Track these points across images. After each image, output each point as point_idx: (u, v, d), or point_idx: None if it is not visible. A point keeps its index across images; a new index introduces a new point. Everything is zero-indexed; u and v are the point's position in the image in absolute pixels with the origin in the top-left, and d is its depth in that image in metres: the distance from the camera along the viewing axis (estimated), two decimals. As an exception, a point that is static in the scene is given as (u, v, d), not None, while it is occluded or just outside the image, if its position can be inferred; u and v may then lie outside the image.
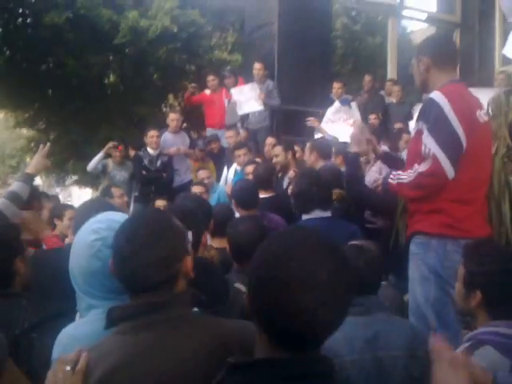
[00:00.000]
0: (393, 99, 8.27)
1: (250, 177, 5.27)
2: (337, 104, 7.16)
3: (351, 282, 1.16)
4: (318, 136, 6.59)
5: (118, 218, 1.77)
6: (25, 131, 15.04)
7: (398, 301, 2.88)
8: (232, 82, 8.29)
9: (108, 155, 7.09)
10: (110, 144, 7.03)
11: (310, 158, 4.72)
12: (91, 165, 7.08)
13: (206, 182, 5.74)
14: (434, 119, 2.55)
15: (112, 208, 2.86)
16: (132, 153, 7.27)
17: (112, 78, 11.31)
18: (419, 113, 2.75)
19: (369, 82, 8.71)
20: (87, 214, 1.88)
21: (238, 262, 2.79)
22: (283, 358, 1.13)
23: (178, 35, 10.44)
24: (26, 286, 2.17)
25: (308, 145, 4.88)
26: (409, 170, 2.67)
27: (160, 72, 11.06)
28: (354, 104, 7.32)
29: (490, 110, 3.05)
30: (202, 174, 6.12)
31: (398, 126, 6.89)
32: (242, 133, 7.58)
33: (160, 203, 5.57)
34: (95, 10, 9.78)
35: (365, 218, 3.96)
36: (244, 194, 3.76)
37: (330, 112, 6.89)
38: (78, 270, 1.68)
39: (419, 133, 2.66)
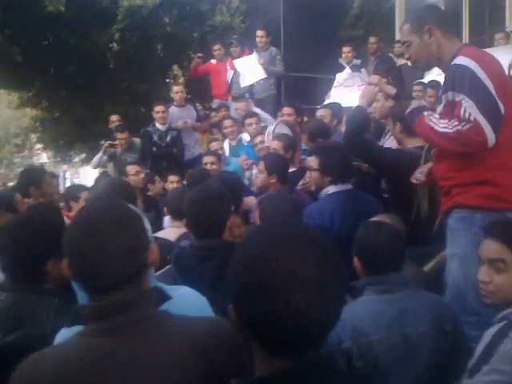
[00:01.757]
0: (406, 61, 8.02)
1: (259, 147, 5.19)
2: (348, 70, 6.99)
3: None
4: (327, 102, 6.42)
5: None
6: (29, 110, 14.96)
7: (420, 275, 2.82)
8: (238, 50, 8.14)
9: (112, 145, 7.03)
10: (106, 144, 7.01)
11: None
12: (93, 163, 7.12)
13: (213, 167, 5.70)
14: (470, 84, 2.35)
15: (124, 191, 2.87)
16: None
17: (115, 51, 11.13)
18: (446, 83, 2.53)
19: (374, 43, 8.24)
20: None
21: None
22: (285, 371, 1.03)
23: (178, 5, 10.24)
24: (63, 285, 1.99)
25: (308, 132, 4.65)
26: (445, 119, 2.43)
27: (163, 43, 10.86)
28: (363, 70, 7.11)
29: (511, 72, 2.91)
30: (215, 145, 6.07)
31: (417, 88, 6.69)
32: (251, 103, 7.48)
33: (173, 178, 5.53)
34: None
35: (381, 188, 3.88)
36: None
37: (341, 77, 6.66)
38: None
39: (450, 104, 2.45)
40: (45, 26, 9.86)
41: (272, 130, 4.98)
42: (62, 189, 7.76)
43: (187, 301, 1.73)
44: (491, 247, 1.90)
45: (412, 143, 3.31)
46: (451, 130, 2.39)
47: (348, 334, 2.01)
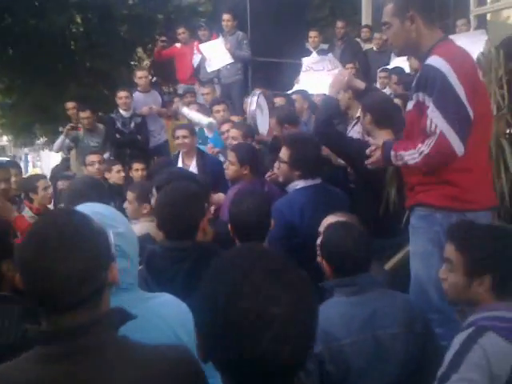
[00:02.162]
0: (372, 46, 8.02)
1: (226, 135, 5.08)
2: (315, 55, 6.91)
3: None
4: (296, 88, 6.35)
5: (102, 210, 1.65)
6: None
7: (383, 273, 2.82)
8: (206, 34, 8.01)
9: (75, 127, 6.85)
10: (68, 126, 6.85)
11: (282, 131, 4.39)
12: (55, 147, 7.02)
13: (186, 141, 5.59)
14: (439, 90, 2.31)
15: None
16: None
17: (76, 31, 10.77)
18: (418, 82, 2.46)
19: (341, 28, 8.22)
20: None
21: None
22: None
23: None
24: (18, 289, 1.91)
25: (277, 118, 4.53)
26: (411, 150, 2.43)
27: (127, 25, 10.56)
28: (330, 55, 7.05)
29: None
30: (180, 132, 5.89)
31: (382, 75, 6.67)
32: (218, 89, 7.36)
33: (137, 166, 5.46)
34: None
35: (348, 178, 3.85)
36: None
37: (310, 60, 6.58)
38: None
39: (419, 105, 2.42)
40: (2, 7, 9.44)
41: (255, 100, 4.86)
42: (24, 173, 7.50)
43: (170, 310, 1.70)
44: (446, 247, 1.99)
45: (381, 135, 3.28)
46: (420, 158, 2.39)
47: (319, 339, 1.96)
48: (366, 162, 2.71)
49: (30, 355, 1.23)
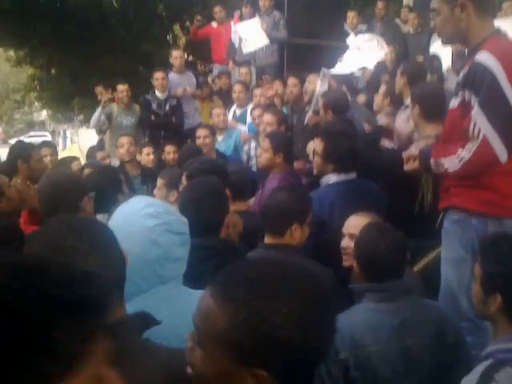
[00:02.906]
0: (409, 28, 7.79)
1: (257, 121, 5.02)
2: (353, 36, 6.76)
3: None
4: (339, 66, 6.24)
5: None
6: (27, 67, 14.68)
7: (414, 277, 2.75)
8: (249, 11, 7.80)
9: (111, 100, 6.84)
10: (106, 98, 6.78)
11: (326, 116, 4.26)
12: (92, 123, 6.89)
13: (220, 120, 5.56)
14: (487, 91, 2.19)
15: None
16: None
17: (115, 9, 10.78)
18: (465, 79, 2.33)
19: (382, 9, 7.92)
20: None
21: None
22: None
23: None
24: None
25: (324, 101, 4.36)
26: (451, 156, 2.32)
27: (164, 4, 10.53)
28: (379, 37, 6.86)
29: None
30: (217, 111, 5.88)
31: (419, 59, 6.48)
32: (253, 70, 7.28)
33: (170, 149, 5.46)
34: None
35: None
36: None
37: (363, 39, 6.45)
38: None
39: (465, 104, 2.30)
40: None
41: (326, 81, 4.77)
42: (62, 148, 7.62)
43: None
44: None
45: (429, 129, 3.16)
46: (460, 164, 2.29)
47: (345, 345, 1.94)
48: (404, 169, 2.62)
49: None
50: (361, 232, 2.20)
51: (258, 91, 5.81)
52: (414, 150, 2.60)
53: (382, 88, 4.89)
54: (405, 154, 2.59)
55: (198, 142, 4.91)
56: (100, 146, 7.13)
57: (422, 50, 6.81)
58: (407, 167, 2.60)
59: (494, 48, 2.25)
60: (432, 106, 3.16)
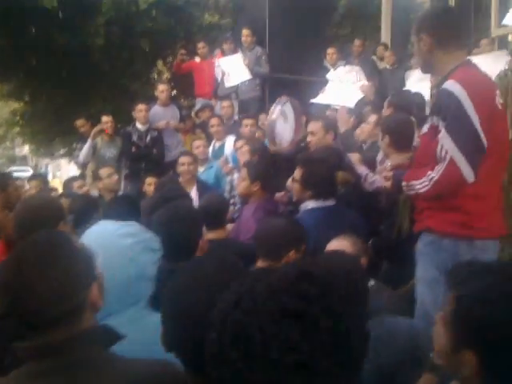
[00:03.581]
0: (386, 65, 7.99)
1: (239, 152, 5.02)
2: (332, 71, 6.91)
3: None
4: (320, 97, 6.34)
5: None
6: (11, 102, 14.67)
7: (396, 298, 2.76)
8: (231, 48, 7.98)
9: (100, 132, 6.86)
10: (96, 129, 6.80)
11: (326, 138, 4.09)
12: (82, 157, 6.82)
13: (200, 151, 5.62)
14: (453, 116, 2.28)
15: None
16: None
17: (99, 45, 10.90)
18: (434, 106, 2.46)
19: (359, 46, 8.17)
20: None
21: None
22: None
23: (168, 3, 10.07)
24: None
25: (320, 124, 4.22)
26: (423, 178, 2.40)
27: (148, 40, 10.68)
28: (358, 68, 7.00)
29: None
30: (198, 142, 5.95)
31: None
32: (235, 104, 7.39)
33: (150, 180, 5.47)
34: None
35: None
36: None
37: (343, 71, 6.57)
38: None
39: (433, 129, 2.40)
40: (28, 19, 9.63)
41: (279, 109, 4.77)
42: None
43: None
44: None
45: (398, 159, 3.23)
46: (430, 185, 2.37)
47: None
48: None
49: (21, 372, 1.26)
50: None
51: (248, 121, 5.87)
52: (388, 165, 2.68)
53: (373, 117, 4.87)
54: (379, 174, 2.65)
55: (182, 168, 4.93)
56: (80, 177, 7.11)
57: (398, 85, 6.96)
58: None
59: (461, 77, 2.35)
60: (401, 137, 3.29)
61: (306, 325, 0.82)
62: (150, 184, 5.41)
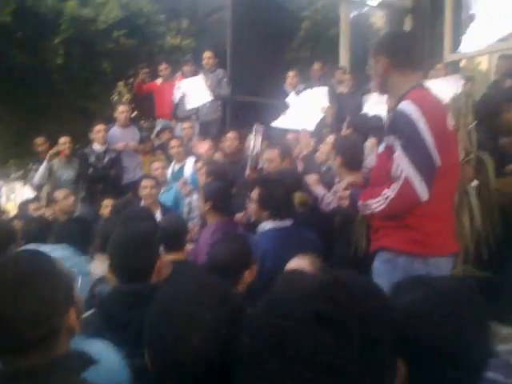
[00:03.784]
0: (344, 89, 8.11)
1: (201, 172, 5.03)
2: (293, 95, 6.99)
3: (233, 317, 1.17)
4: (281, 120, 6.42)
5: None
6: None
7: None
8: (191, 70, 8.00)
9: (56, 154, 6.71)
10: (52, 151, 6.67)
11: (282, 165, 4.26)
12: (37, 178, 6.63)
13: (159, 173, 5.55)
14: (407, 136, 2.34)
15: None
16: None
17: (58, 65, 10.73)
18: (389, 126, 2.52)
19: (318, 69, 8.20)
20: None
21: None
22: None
23: (129, 24, 10.03)
24: None
25: (277, 152, 4.40)
26: (379, 197, 2.45)
27: (109, 60, 10.59)
28: (326, 89, 7.09)
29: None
30: (157, 164, 5.90)
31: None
32: (196, 126, 7.38)
33: (108, 203, 5.35)
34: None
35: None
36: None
37: (311, 92, 6.68)
38: None
39: (389, 148, 2.45)
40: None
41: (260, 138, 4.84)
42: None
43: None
44: None
45: (350, 178, 3.27)
46: (386, 204, 2.41)
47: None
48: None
49: None
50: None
51: (206, 142, 5.88)
52: (342, 185, 2.71)
53: (331, 138, 4.92)
54: (335, 193, 2.67)
55: (144, 192, 4.86)
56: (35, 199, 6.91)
57: (356, 109, 7.06)
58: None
59: (415, 98, 2.42)
60: (352, 158, 3.36)
61: (338, 330, 0.88)
62: (106, 206, 5.29)
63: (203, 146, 5.92)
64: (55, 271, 1.32)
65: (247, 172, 4.83)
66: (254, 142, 4.85)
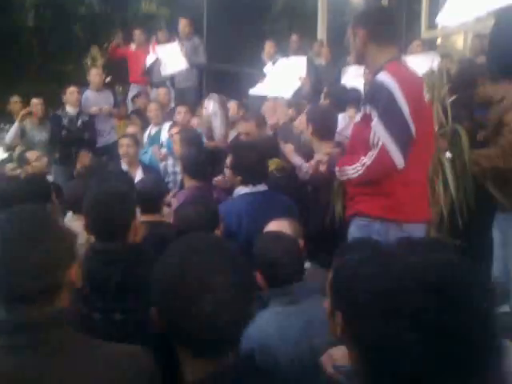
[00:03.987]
0: (321, 61, 8.12)
1: (174, 139, 5.00)
2: (270, 65, 6.96)
3: (247, 281, 1.21)
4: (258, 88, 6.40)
5: None
6: None
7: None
8: (165, 37, 7.90)
9: (29, 114, 6.59)
10: (24, 111, 6.54)
11: (261, 134, 4.33)
12: (9, 137, 6.55)
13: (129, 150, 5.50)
14: (384, 105, 2.41)
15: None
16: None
17: (30, 27, 10.40)
18: (366, 96, 2.58)
19: (295, 42, 8.13)
20: None
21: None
22: (208, 374, 1.14)
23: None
24: None
25: (253, 123, 4.38)
26: (356, 164, 2.52)
27: (81, 24, 10.34)
28: (305, 59, 7.05)
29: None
30: (132, 128, 5.87)
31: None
32: (172, 92, 7.29)
33: (85, 159, 5.33)
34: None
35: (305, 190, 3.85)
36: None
37: (283, 61, 6.65)
38: None
39: (366, 117, 2.51)
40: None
41: (212, 105, 4.80)
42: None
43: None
44: None
45: (322, 147, 3.32)
46: (362, 170, 2.49)
47: (255, 351, 1.93)
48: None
49: None
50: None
51: (181, 108, 5.82)
52: (320, 155, 2.75)
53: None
54: (314, 160, 2.71)
55: (122, 150, 4.82)
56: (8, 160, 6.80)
57: (334, 81, 7.08)
58: (314, 170, 2.73)
59: (392, 70, 2.49)
60: (323, 126, 3.40)
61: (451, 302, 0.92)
62: (84, 164, 5.31)
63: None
64: (58, 226, 1.37)
65: (204, 141, 4.85)
66: (206, 107, 4.86)
